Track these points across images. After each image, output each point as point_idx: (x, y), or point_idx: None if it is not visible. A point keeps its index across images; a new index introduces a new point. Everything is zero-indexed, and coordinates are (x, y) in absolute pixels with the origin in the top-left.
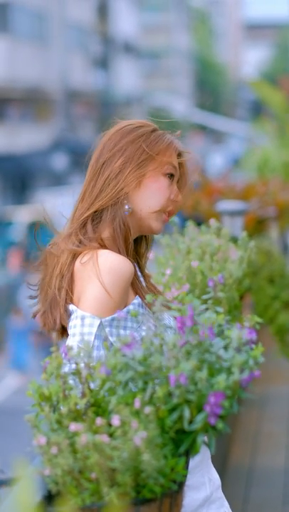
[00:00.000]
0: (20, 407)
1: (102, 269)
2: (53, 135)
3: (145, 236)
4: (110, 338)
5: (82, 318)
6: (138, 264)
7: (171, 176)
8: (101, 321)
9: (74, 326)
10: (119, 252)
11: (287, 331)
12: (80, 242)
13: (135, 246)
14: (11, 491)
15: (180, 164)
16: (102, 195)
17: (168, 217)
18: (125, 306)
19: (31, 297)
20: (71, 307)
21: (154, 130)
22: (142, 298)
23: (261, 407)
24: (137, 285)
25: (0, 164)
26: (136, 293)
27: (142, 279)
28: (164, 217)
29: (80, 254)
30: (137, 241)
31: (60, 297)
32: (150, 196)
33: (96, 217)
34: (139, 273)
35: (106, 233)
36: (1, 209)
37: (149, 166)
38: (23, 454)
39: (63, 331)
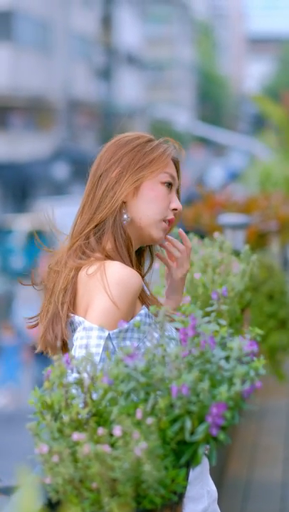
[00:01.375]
0: (6, 422)
1: (111, 281)
2: (55, 144)
3: (149, 247)
4: (117, 350)
5: (90, 330)
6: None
7: (169, 184)
8: (109, 334)
9: (81, 338)
10: (124, 263)
11: (278, 350)
12: (84, 253)
13: (138, 256)
14: (12, 499)
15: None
16: (101, 207)
17: (169, 226)
18: (132, 317)
19: (29, 318)
20: (77, 318)
21: (149, 140)
22: (148, 307)
23: (259, 420)
24: (144, 295)
25: (1, 172)
26: (142, 303)
27: (145, 288)
28: (165, 226)
29: (83, 265)
30: (140, 252)
31: (62, 312)
32: (149, 205)
33: (98, 229)
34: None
35: (109, 244)
36: (1, 217)
37: (145, 175)
38: (23, 463)
39: (64, 347)
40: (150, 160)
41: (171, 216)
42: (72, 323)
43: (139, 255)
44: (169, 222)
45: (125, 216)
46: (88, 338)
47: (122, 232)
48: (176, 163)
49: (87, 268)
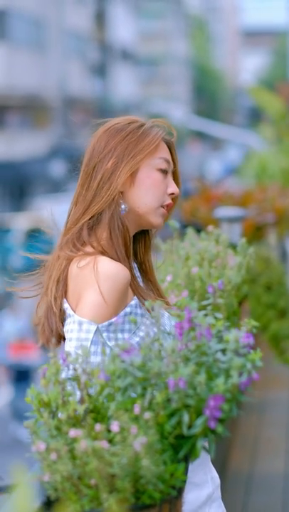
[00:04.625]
0: None
1: (99, 276)
2: (51, 142)
3: (145, 234)
4: (108, 342)
5: (80, 324)
6: (139, 263)
7: (164, 170)
8: (98, 327)
9: (71, 331)
10: (117, 254)
11: (282, 338)
12: (75, 246)
13: (135, 245)
14: (10, 498)
15: (171, 156)
16: (97, 199)
17: (167, 211)
18: (124, 308)
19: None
20: (69, 310)
21: (141, 125)
22: (139, 298)
23: (260, 412)
24: (135, 285)
25: None
26: (134, 293)
27: (139, 279)
28: (163, 212)
29: (74, 258)
30: (137, 240)
31: (55, 307)
32: (146, 193)
33: (93, 221)
34: (138, 273)
35: (104, 235)
36: (0, 216)
37: (140, 163)
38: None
39: (60, 339)
40: (143, 146)
41: (168, 201)
42: (65, 312)
43: (134, 243)
44: (167, 207)
45: (123, 206)
46: (79, 332)
47: (119, 223)
48: (170, 145)
49: (78, 261)
